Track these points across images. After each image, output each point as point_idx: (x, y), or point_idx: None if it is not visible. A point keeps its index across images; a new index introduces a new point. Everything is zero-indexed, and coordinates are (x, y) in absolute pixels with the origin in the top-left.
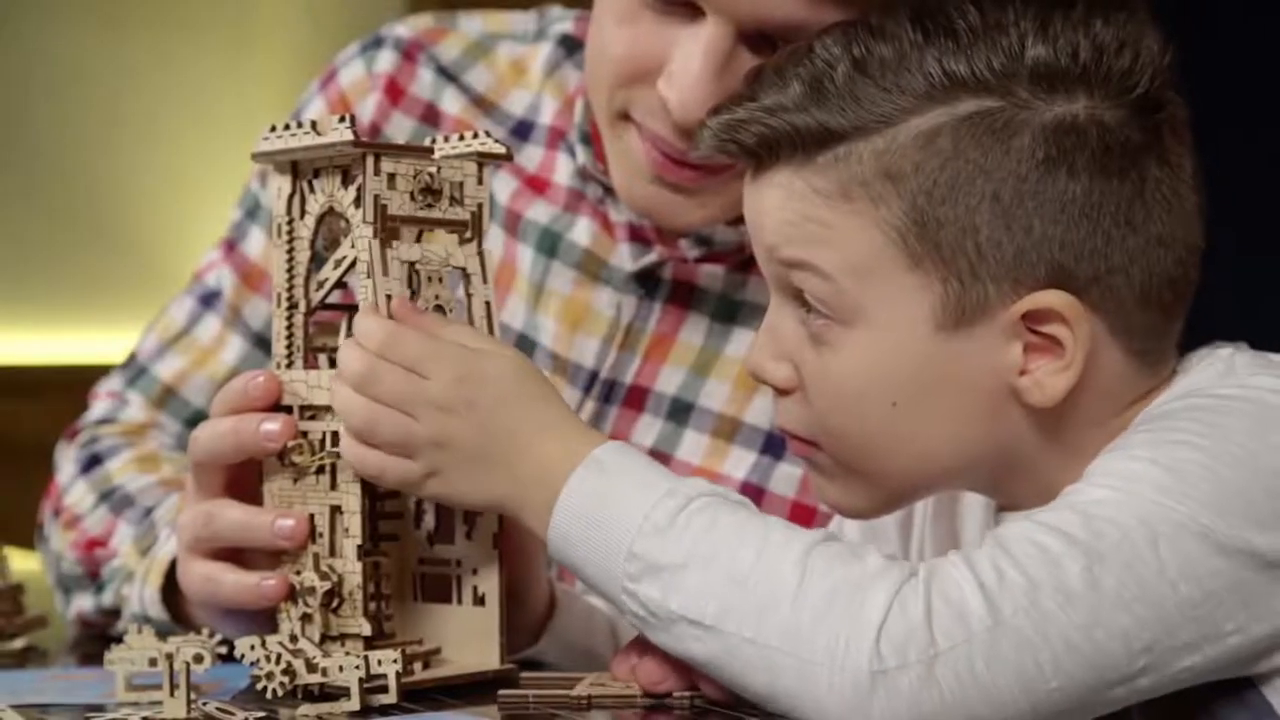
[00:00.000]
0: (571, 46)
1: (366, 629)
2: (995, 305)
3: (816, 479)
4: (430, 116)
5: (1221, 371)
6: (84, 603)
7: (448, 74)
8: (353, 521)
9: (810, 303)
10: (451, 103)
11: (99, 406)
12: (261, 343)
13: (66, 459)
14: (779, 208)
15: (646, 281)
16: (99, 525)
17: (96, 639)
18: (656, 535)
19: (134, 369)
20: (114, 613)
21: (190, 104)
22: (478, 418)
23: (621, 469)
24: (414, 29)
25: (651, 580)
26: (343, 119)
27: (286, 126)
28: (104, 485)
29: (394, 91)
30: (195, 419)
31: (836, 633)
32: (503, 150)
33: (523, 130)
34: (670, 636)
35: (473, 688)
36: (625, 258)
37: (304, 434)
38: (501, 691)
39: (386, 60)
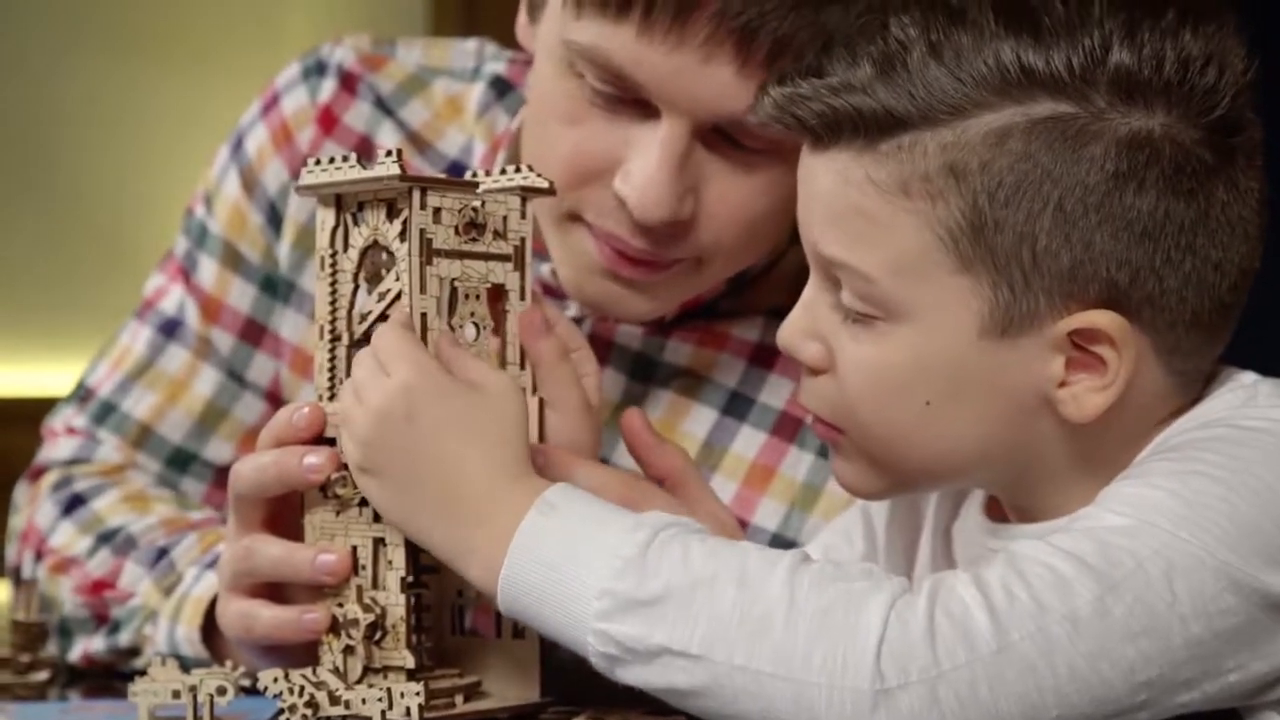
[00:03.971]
0: (503, 89)
1: (410, 661)
2: (1044, 318)
3: (834, 459)
4: (364, 148)
5: (1243, 400)
6: (94, 644)
7: (385, 107)
8: (396, 554)
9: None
10: (387, 137)
11: (65, 445)
12: (232, 374)
13: (42, 500)
14: (830, 195)
15: None
16: (102, 567)
17: (116, 675)
18: (630, 570)
19: (98, 405)
20: (131, 652)
21: (211, 137)
22: (412, 432)
23: (574, 508)
24: (355, 53)
25: (627, 616)
26: (389, 153)
27: (331, 160)
28: (98, 527)
29: (328, 121)
30: (176, 457)
31: (833, 652)
32: (546, 185)
33: (456, 172)
34: (650, 670)
35: None
36: None
37: (346, 466)
38: None
39: (329, 89)
